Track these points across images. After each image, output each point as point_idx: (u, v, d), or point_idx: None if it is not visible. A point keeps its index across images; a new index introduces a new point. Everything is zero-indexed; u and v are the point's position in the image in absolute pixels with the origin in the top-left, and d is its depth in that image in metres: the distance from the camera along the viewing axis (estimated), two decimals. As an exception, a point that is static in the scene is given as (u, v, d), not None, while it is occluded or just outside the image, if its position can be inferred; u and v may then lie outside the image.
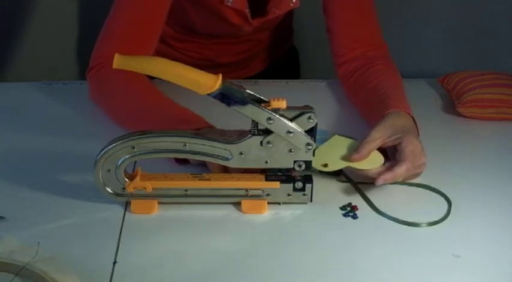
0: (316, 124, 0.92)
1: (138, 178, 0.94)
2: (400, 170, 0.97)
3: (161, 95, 1.10)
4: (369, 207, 0.98)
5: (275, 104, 0.91)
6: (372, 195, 1.00)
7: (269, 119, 0.90)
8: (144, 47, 1.16)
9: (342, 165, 1.00)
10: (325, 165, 0.99)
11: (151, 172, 0.96)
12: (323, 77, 1.37)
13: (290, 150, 0.93)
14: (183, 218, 0.95)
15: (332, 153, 1.01)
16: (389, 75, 1.19)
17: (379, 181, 0.97)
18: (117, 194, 0.95)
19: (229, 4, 1.20)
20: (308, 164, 0.94)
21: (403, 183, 1.02)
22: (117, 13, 1.17)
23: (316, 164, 0.98)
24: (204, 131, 1.00)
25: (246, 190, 0.96)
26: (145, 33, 1.17)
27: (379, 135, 1.00)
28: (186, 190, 0.95)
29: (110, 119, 1.16)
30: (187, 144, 0.92)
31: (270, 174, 0.96)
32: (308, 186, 0.96)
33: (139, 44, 1.16)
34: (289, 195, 0.96)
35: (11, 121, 1.19)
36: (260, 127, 0.92)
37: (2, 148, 1.11)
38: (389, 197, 1.00)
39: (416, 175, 1.02)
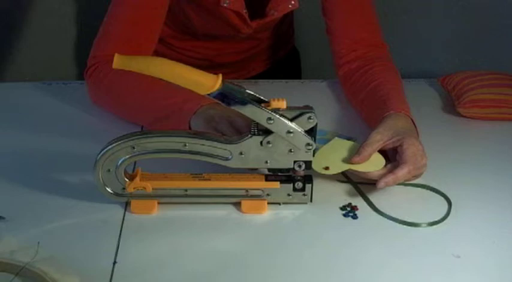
0: (316, 124, 0.92)
1: (138, 178, 0.94)
2: (402, 173, 0.97)
3: (161, 81, 1.10)
4: (369, 207, 0.98)
5: (275, 104, 0.91)
6: (372, 195, 1.00)
7: (269, 119, 0.90)
8: (141, 48, 1.16)
9: (343, 168, 0.99)
10: (327, 168, 0.99)
11: (151, 172, 0.96)
12: (325, 78, 1.37)
13: (290, 150, 0.93)
14: (183, 218, 0.95)
15: (333, 156, 1.01)
16: (389, 77, 1.19)
17: (381, 184, 0.97)
18: (117, 194, 0.95)
19: (225, 5, 1.20)
20: (308, 164, 0.94)
21: (403, 183, 1.02)
22: (113, 14, 1.17)
23: (317, 167, 0.98)
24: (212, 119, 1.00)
25: (246, 190, 0.96)
26: (142, 34, 1.17)
27: (380, 137, 1.00)
28: (186, 190, 0.95)
29: (111, 115, 1.16)
30: (187, 144, 0.92)
31: (270, 174, 0.96)
32: (308, 186, 0.96)
33: (136, 45, 1.15)
34: (289, 195, 0.96)
35: (11, 121, 1.19)
36: (260, 127, 0.92)
37: (2, 148, 1.11)
38: (390, 197, 1.00)
39: (418, 176, 1.01)
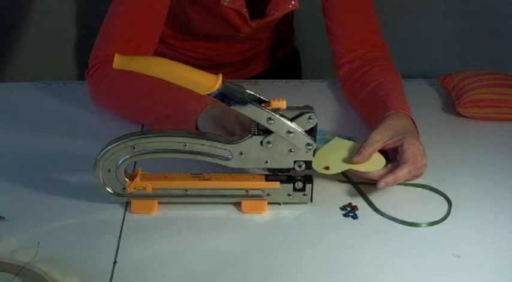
0: (316, 124, 0.92)
1: (138, 178, 0.94)
2: (402, 173, 0.97)
3: (161, 81, 1.10)
4: (369, 207, 0.98)
5: (275, 104, 0.91)
6: (372, 195, 1.00)
7: (269, 119, 0.90)
8: (142, 48, 1.16)
9: (343, 167, 0.99)
10: (327, 168, 0.99)
11: (151, 172, 0.96)
12: (325, 78, 1.37)
13: (290, 150, 0.93)
14: (183, 218, 0.95)
15: (333, 156, 1.01)
16: (389, 76, 1.19)
17: (381, 184, 0.97)
18: (117, 194, 0.95)
19: (225, 4, 1.20)
20: (308, 164, 0.94)
21: (403, 183, 1.02)
22: (114, 13, 1.17)
23: (318, 167, 0.98)
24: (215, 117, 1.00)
25: (246, 190, 0.96)
26: (143, 34, 1.17)
27: (380, 137, 1.00)
28: (186, 190, 0.95)
29: (111, 115, 1.16)
30: (187, 144, 0.92)
31: (270, 174, 0.96)
32: (308, 186, 0.96)
33: (136, 45, 1.15)
34: (289, 195, 0.96)
35: (11, 121, 1.19)
36: (260, 127, 0.92)
37: (2, 148, 1.11)
38: (390, 197, 1.00)
39: (418, 176, 1.01)
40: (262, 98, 0.92)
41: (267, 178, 0.96)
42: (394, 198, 1.00)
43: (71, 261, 0.83)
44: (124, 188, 0.94)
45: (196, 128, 1.03)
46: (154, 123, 1.10)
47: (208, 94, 0.89)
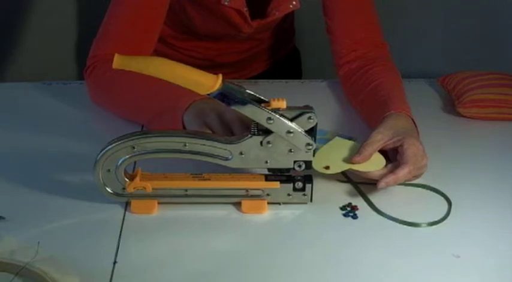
0: (316, 124, 0.92)
1: (138, 178, 0.94)
2: (403, 173, 0.97)
3: (159, 80, 1.11)
4: (369, 207, 0.98)
5: (275, 104, 0.91)
6: (372, 195, 1.00)
7: (269, 119, 0.90)
8: (141, 48, 1.16)
9: (343, 167, 0.99)
10: (327, 168, 0.99)
11: (151, 172, 0.96)
12: (325, 78, 1.37)
13: (290, 150, 0.93)
14: (183, 218, 0.95)
15: (333, 155, 1.01)
16: (390, 76, 1.19)
17: (382, 184, 0.96)
18: (117, 194, 0.95)
19: (226, 3, 1.20)
20: (308, 164, 0.94)
21: (403, 183, 1.02)
22: (113, 13, 1.17)
23: (318, 167, 0.98)
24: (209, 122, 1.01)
25: (246, 190, 0.96)
26: (142, 34, 1.17)
27: (380, 137, 1.00)
28: (186, 190, 0.95)
29: (111, 115, 1.16)
30: (187, 144, 0.92)
31: (270, 174, 0.96)
32: (308, 186, 0.96)
33: (135, 44, 1.15)
34: (289, 195, 0.96)
35: (11, 121, 1.19)
36: (260, 127, 0.92)
37: (2, 148, 1.11)
38: (390, 197, 1.00)
39: (418, 176, 1.01)
40: (262, 98, 0.92)
41: (267, 178, 0.96)
42: (394, 198, 1.00)
43: (71, 261, 0.83)
44: (124, 188, 0.94)
45: (183, 125, 1.03)
46: (151, 121, 1.10)
47: (208, 94, 0.89)
